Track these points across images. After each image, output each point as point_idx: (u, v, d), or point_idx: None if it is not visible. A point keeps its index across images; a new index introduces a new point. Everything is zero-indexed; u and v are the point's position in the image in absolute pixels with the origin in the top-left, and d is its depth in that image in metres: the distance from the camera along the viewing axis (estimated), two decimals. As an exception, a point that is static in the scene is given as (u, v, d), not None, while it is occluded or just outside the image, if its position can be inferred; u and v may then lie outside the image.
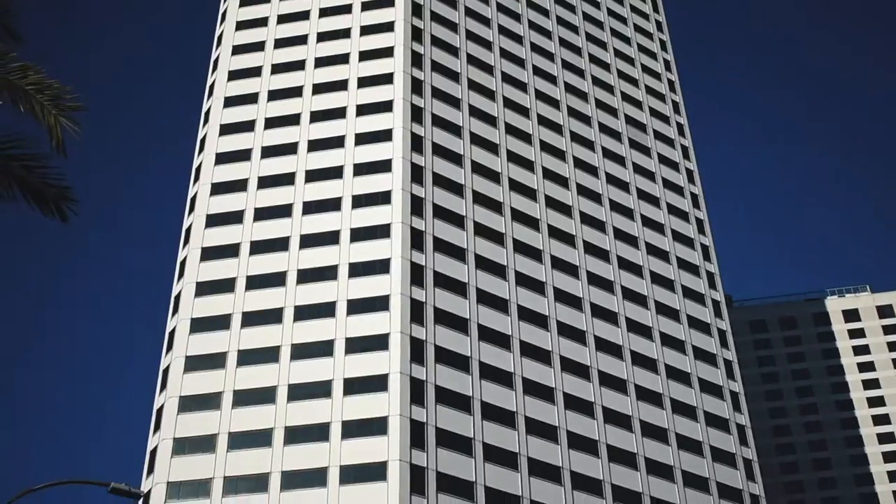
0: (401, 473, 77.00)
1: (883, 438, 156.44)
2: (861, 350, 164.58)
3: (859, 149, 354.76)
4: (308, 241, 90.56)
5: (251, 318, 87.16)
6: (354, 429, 79.69)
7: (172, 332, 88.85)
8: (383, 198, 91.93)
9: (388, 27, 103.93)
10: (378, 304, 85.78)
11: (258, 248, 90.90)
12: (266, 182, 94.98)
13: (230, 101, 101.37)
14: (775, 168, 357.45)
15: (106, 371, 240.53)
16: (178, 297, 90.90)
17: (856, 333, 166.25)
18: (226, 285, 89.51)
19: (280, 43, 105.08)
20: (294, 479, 78.14)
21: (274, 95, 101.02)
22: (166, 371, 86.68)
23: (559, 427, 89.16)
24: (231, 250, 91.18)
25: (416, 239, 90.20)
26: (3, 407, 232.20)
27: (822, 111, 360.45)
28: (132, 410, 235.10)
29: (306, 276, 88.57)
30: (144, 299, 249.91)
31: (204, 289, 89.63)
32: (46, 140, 16.66)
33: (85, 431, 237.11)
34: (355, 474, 77.44)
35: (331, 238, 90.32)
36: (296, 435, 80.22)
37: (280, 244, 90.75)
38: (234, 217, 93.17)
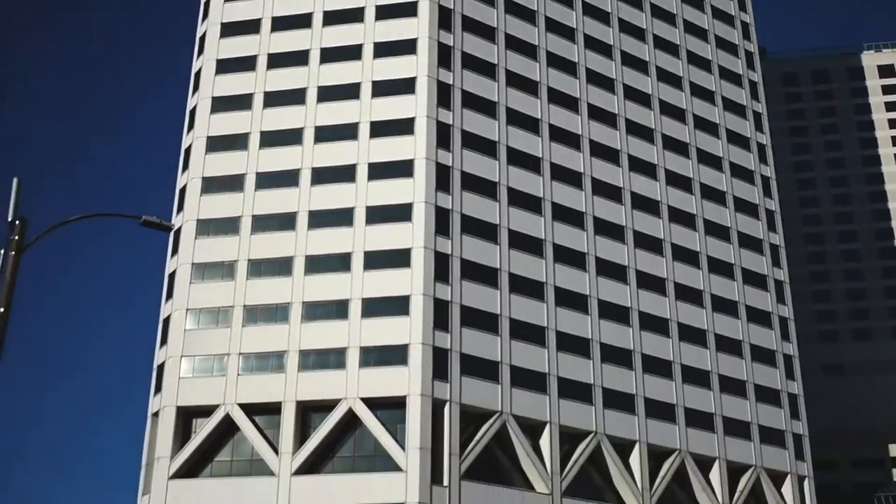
0: (426, 215, 78.21)
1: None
2: (893, 106, 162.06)
3: None
4: (331, 18, 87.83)
5: (277, 60, 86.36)
6: (380, 171, 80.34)
7: (198, 73, 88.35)
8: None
9: None
10: (404, 86, 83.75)
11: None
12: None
13: None
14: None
15: (133, 111, 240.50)
16: (202, 38, 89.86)
17: (889, 90, 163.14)
18: (251, 26, 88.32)
19: None
20: (321, 218, 79.52)
21: None
22: (193, 111, 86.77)
23: (585, 213, 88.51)
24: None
25: (444, 17, 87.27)
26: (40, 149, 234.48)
27: None
28: (160, 150, 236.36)
29: (330, 55, 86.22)
30: (168, 41, 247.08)
31: (229, 30, 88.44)
32: None
33: (115, 171, 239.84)
34: (381, 214, 78.62)
35: (356, 15, 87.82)
36: (322, 176, 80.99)
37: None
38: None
